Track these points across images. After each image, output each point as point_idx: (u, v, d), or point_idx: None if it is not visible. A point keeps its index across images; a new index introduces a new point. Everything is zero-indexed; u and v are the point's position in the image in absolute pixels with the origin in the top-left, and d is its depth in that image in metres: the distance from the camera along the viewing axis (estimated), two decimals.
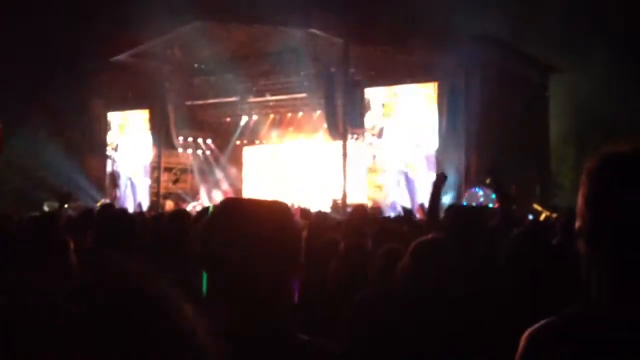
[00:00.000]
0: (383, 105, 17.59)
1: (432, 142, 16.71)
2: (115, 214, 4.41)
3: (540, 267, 2.81)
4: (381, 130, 17.61)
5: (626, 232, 1.21)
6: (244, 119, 23.42)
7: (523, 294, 2.76)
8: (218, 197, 23.56)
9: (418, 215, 12.81)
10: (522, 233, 3.01)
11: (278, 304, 1.43)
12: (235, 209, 1.49)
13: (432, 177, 16.49)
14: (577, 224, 1.28)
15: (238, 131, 24.05)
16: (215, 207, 1.52)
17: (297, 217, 1.58)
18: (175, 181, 23.32)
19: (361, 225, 5.20)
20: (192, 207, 19.72)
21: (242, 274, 1.39)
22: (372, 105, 17.78)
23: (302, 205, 12.72)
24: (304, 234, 4.32)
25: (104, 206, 7.20)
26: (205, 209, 4.09)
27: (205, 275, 1.45)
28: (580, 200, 1.28)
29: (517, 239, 2.97)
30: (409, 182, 17.01)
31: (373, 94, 17.77)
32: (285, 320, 1.44)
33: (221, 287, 1.42)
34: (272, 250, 1.40)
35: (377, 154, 17.68)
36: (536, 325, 1.30)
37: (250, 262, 1.38)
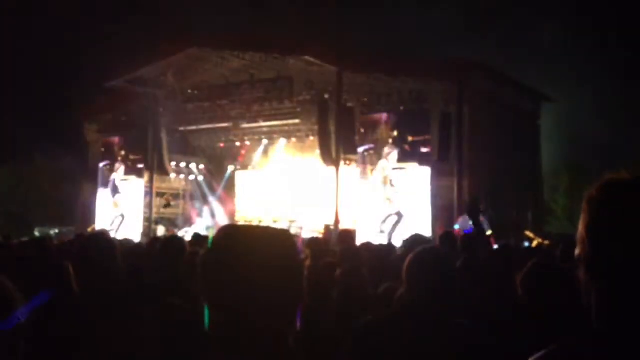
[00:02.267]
0: (373, 131, 17.64)
1: (422, 169, 16.74)
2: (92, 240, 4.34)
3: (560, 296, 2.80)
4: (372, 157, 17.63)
5: (625, 261, 1.21)
6: (237, 145, 23.47)
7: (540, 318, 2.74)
8: (209, 222, 23.53)
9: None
10: (539, 264, 3.00)
11: (282, 333, 1.40)
12: (236, 238, 1.44)
13: (424, 203, 16.52)
14: (578, 251, 1.29)
15: (231, 157, 24.10)
16: (215, 235, 1.47)
17: (300, 245, 1.54)
18: (166, 206, 23.22)
19: (356, 252, 5.19)
20: (185, 232, 19.66)
21: (243, 305, 1.36)
22: (362, 131, 17.84)
23: (305, 235, 12.73)
24: (307, 262, 4.29)
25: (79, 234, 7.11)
26: (205, 237, 4.05)
27: (206, 309, 1.40)
28: (580, 228, 1.28)
29: (535, 270, 2.96)
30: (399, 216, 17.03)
31: (363, 120, 17.83)
32: (290, 349, 1.41)
33: (223, 319, 1.38)
34: (275, 280, 1.37)
35: (368, 180, 17.68)
36: (538, 355, 1.29)
37: (252, 292, 1.35)
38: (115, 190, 22.71)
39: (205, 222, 23.40)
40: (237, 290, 1.35)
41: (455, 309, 2.73)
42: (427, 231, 15.88)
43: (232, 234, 1.48)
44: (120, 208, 22.44)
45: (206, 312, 1.41)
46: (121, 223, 21.18)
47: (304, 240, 6.53)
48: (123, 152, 22.73)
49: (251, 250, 1.39)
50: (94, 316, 2.75)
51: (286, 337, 1.41)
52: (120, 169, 22.73)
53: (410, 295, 2.70)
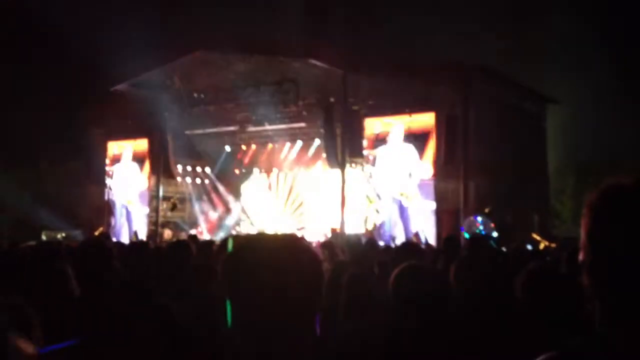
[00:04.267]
0: (377, 134, 17.65)
1: (425, 171, 16.70)
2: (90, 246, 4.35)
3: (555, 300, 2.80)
4: (374, 159, 17.62)
5: (625, 267, 1.21)
6: (243, 148, 23.52)
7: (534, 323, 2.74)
8: (215, 224, 23.57)
9: None
10: (537, 267, 3.00)
11: (301, 337, 1.42)
12: (254, 246, 1.47)
13: (428, 205, 16.50)
14: (581, 256, 1.29)
15: (237, 160, 24.14)
16: (234, 243, 1.50)
17: (318, 250, 1.59)
18: (172, 208, 23.25)
19: (367, 253, 5.20)
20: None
21: (265, 310, 1.39)
22: (366, 133, 17.84)
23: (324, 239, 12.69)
24: (326, 265, 4.30)
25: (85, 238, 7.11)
26: (225, 243, 4.06)
27: (229, 308, 1.43)
28: (582, 234, 1.29)
29: (533, 274, 2.96)
30: (402, 210, 16.99)
31: (368, 123, 17.84)
32: (309, 353, 1.43)
33: (245, 321, 1.41)
34: (293, 285, 1.40)
35: (371, 182, 17.67)
36: (539, 359, 1.29)
37: (272, 298, 1.38)
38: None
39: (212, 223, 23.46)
40: (255, 294, 1.39)
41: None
42: (431, 234, 15.91)
43: (249, 240, 1.51)
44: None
45: (228, 310, 1.43)
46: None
47: (322, 248, 6.51)
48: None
49: (268, 256, 1.42)
50: (93, 322, 2.74)
51: (306, 340, 1.42)
52: (128, 150, 22.64)
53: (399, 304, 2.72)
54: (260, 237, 1.53)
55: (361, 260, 4.81)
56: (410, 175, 16.89)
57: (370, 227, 17.42)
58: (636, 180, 1.25)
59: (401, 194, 16.99)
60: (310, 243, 1.63)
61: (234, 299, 1.43)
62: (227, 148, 23.67)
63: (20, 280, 3.41)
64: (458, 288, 3.54)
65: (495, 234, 14.34)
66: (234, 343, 1.42)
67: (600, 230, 1.26)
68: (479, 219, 15.34)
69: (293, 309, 1.40)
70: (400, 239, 15.45)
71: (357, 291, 3.61)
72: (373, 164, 17.61)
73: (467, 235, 13.58)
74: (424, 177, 16.67)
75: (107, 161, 23.15)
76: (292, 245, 1.48)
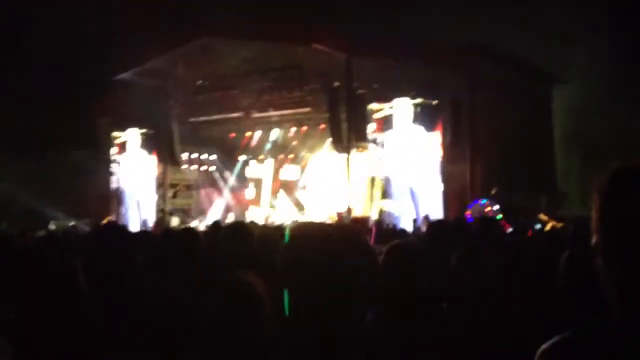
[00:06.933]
0: (385, 117, 17.59)
1: (435, 154, 16.68)
2: (112, 231, 4.33)
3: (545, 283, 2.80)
4: (383, 143, 17.60)
5: (637, 250, 1.21)
6: (248, 135, 23.52)
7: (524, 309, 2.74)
8: (221, 210, 23.63)
9: (423, 227, 12.83)
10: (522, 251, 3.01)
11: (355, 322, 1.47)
12: (311, 236, 1.51)
13: (436, 188, 16.51)
14: (593, 240, 1.29)
15: (242, 147, 24.14)
16: (291, 234, 1.53)
17: (370, 240, 1.64)
18: (174, 195, 23.32)
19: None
20: (198, 222, 19.77)
21: (321, 299, 1.43)
22: (374, 117, 17.79)
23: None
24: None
25: (97, 226, 7.10)
26: (230, 232, 4.02)
27: (286, 295, 1.47)
28: (594, 217, 1.28)
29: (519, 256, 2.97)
30: (412, 194, 16.99)
31: (376, 107, 17.78)
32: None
33: (304, 308, 1.46)
34: (349, 276, 1.44)
35: (380, 166, 17.66)
36: (551, 342, 1.28)
37: (328, 288, 1.42)
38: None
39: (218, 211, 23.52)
40: (314, 285, 1.43)
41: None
42: (439, 216, 15.90)
43: (305, 231, 1.55)
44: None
45: (285, 298, 1.47)
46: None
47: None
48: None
49: (326, 246, 1.46)
50: (101, 323, 2.68)
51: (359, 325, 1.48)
52: (135, 138, 22.73)
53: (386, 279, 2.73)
54: (318, 227, 1.58)
55: None
56: (420, 157, 16.87)
57: (376, 210, 17.43)
58: None
59: (410, 177, 17.00)
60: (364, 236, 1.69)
61: (292, 288, 1.47)
62: (233, 135, 23.69)
63: (22, 275, 3.39)
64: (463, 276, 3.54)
65: (499, 217, 14.33)
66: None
67: (611, 213, 1.25)
68: (485, 201, 15.32)
69: (348, 299, 1.44)
70: (408, 222, 15.45)
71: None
72: (382, 147, 17.59)
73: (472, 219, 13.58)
74: (433, 160, 16.66)
75: (116, 149, 23.23)
76: (348, 236, 1.52)
